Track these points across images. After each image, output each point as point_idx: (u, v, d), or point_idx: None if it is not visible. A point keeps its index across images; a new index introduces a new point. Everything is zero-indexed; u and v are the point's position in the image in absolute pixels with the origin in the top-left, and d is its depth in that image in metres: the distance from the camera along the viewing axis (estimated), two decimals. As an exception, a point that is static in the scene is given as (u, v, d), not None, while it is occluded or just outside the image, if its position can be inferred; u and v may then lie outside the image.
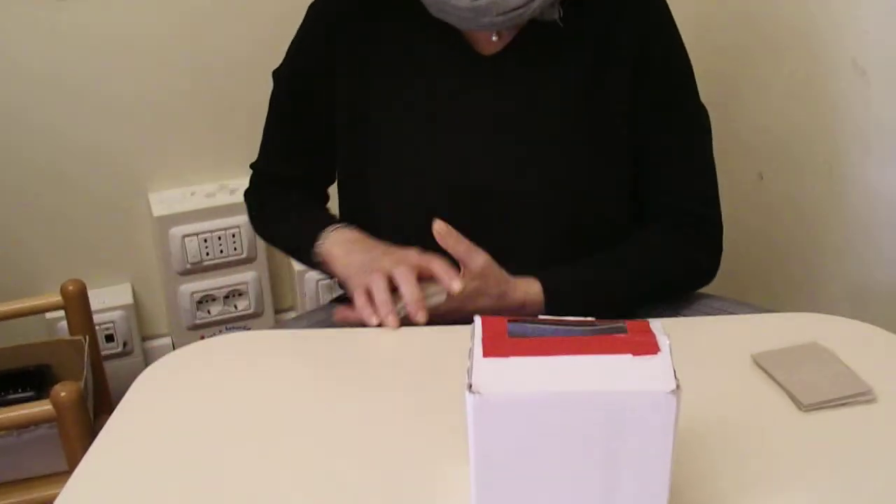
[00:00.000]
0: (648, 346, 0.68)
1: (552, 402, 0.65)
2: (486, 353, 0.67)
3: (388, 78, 1.16)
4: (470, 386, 0.65)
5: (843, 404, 0.91)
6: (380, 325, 1.05)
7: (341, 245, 1.16)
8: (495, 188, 1.11)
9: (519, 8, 1.06)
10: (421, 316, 1.04)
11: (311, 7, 1.22)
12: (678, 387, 0.65)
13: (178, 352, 1.07)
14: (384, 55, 1.16)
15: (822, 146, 1.58)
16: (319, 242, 1.17)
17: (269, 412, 0.93)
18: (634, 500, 0.69)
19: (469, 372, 0.66)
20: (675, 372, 0.67)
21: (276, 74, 1.25)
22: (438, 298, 1.07)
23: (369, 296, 1.06)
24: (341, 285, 1.19)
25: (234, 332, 1.18)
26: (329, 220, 1.22)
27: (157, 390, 0.99)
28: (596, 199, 1.16)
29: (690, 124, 1.20)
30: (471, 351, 0.68)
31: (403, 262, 1.07)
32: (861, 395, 0.92)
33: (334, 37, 1.17)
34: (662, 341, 0.69)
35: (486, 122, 1.14)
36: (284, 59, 1.25)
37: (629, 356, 0.67)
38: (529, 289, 1.10)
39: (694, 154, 1.20)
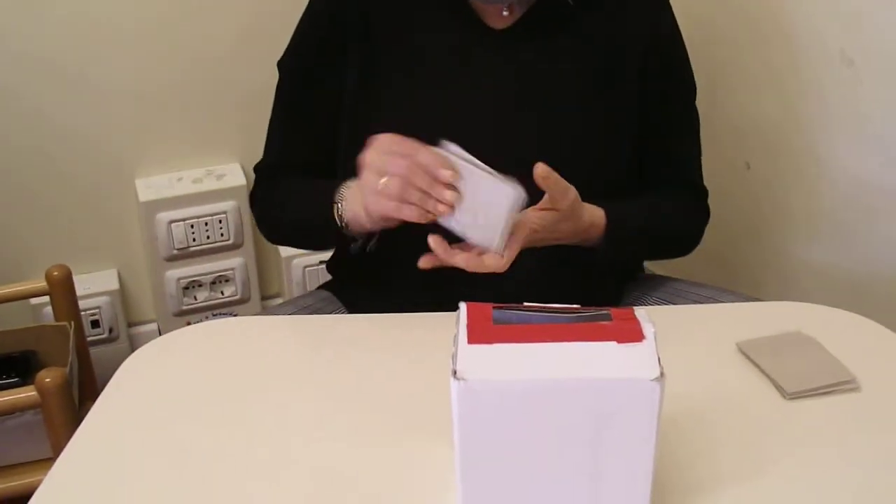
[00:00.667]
0: (633, 334, 0.68)
1: (537, 389, 0.65)
2: (470, 340, 0.67)
3: (396, 53, 1.16)
4: (455, 372, 0.65)
5: (826, 392, 0.92)
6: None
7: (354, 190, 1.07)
8: (504, 157, 1.11)
9: None
10: (444, 174, 0.94)
11: None
12: (662, 374, 0.66)
13: (163, 338, 1.07)
14: (392, 30, 1.16)
15: (809, 136, 1.58)
16: (339, 198, 1.08)
17: (254, 398, 0.93)
18: (619, 485, 0.70)
19: (454, 358, 0.66)
20: (659, 359, 0.67)
21: (282, 64, 1.23)
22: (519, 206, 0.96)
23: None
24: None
25: (221, 319, 1.18)
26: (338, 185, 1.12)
27: (142, 376, 0.99)
28: (603, 169, 1.17)
29: (690, 102, 1.25)
30: (456, 337, 0.68)
31: (389, 150, 0.98)
32: (845, 384, 0.93)
33: (341, 17, 1.16)
34: (647, 329, 0.69)
35: (495, 91, 1.15)
36: (289, 47, 1.23)
37: (614, 343, 0.67)
38: (594, 216, 1.10)
39: (692, 128, 1.26)
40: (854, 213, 1.53)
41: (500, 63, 1.15)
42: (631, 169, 1.21)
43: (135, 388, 0.97)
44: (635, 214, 1.16)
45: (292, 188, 1.21)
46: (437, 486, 0.78)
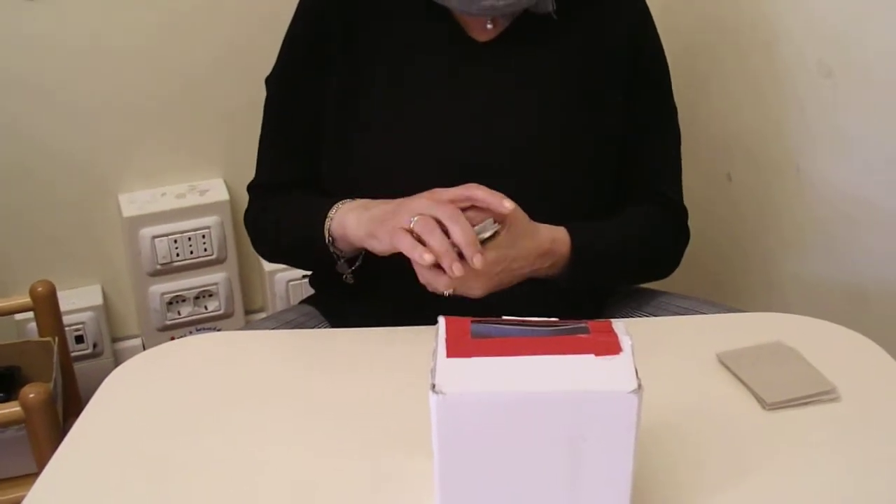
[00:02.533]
0: (611, 347, 0.69)
1: (515, 402, 0.65)
2: (449, 354, 0.68)
3: (380, 63, 1.16)
4: (433, 386, 0.65)
5: (806, 403, 0.93)
6: (437, 266, 0.96)
7: (354, 210, 1.08)
8: (487, 167, 1.11)
9: None
10: (478, 259, 0.95)
11: (300, 3, 1.20)
12: (640, 386, 0.66)
13: (147, 353, 1.07)
14: (376, 41, 1.16)
15: (789, 147, 1.59)
16: (329, 218, 1.09)
17: (237, 412, 0.93)
18: (598, 497, 0.70)
19: (432, 372, 0.67)
20: (636, 372, 0.68)
21: (269, 81, 1.22)
22: (492, 228, 0.99)
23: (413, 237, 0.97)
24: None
25: (204, 333, 1.18)
26: (335, 202, 1.12)
27: (126, 391, 0.99)
28: (589, 179, 1.17)
29: (670, 116, 1.25)
30: (434, 351, 0.69)
31: (440, 200, 0.99)
32: (824, 394, 0.93)
33: (324, 30, 1.16)
34: (625, 341, 0.70)
35: (478, 102, 1.15)
36: (276, 63, 1.22)
37: (592, 356, 0.68)
38: (555, 232, 1.09)
39: (671, 144, 1.25)
40: (835, 223, 1.54)
41: (483, 76, 1.15)
42: (617, 181, 1.21)
43: (119, 402, 0.97)
44: (603, 235, 1.14)
45: (285, 206, 1.20)
46: (417, 499, 0.78)
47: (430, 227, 0.96)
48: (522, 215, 1.03)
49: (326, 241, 1.09)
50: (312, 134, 1.19)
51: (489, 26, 1.14)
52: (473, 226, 0.97)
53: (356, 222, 1.06)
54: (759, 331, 1.04)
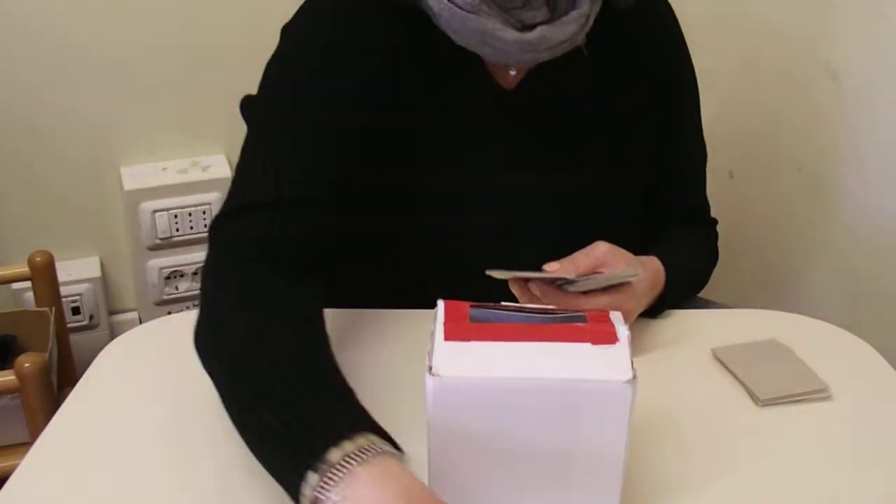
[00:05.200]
0: (607, 336, 0.69)
1: (510, 388, 0.66)
2: (447, 337, 0.68)
3: (420, 114, 1.04)
4: (430, 368, 0.66)
5: (798, 400, 0.93)
6: None
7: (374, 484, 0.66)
8: (519, 223, 1.06)
9: (565, 42, 0.98)
10: None
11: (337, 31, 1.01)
12: (635, 376, 0.66)
13: (142, 326, 1.07)
14: (408, 98, 1.03)
15: (791, 146, 1.60)
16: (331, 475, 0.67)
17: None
18: (590, 484, 0.71)
19: (430, 354, 0.67)
20: (632, 362, 0.68)
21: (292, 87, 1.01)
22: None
23: None
24: None
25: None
26: (352, 416, 0.76)
27: (121, 364, 0.99)
28: (612, 219, 1.12)
29: (701, 130, 1.22)
30: (432, 334, 0.69)
31: None
32: (817, 393, 0.94)
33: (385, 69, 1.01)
34: (621, 331, 0.70)
35: (511, 155, 1.07)
36: (303, 74, 1.01)
37: (588, 345, 0.68)
38: (651, 263, 1.04)
39: (703, 159, 1.23)
40: (834, 222, 1.54)
41: (513, 122, 1.07)
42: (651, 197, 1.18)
43: (114, 375, 0.97)
44: (677, 256, 1.10)
45: (261, 355, 0.82)
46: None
47: None
48: (616, 250, 0.98)
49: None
50: (345, 166, 1.00)
51: (513, 72, 1.04)
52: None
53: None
54: (754, 328, 1.04)
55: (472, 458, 0.69)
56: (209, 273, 0.93)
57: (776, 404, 0.92)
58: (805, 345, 1.00)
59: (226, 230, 0.95)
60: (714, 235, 1.25)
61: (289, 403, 0.74)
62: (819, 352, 0.99)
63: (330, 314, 1.08)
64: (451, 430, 0.68)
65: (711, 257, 1.24)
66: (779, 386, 0.94)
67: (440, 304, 0.72)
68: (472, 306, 0.72)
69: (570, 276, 0.89)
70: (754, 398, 0.93)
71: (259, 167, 0.98)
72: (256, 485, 0.80)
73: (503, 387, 0.66)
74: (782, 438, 0.88)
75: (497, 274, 0.86)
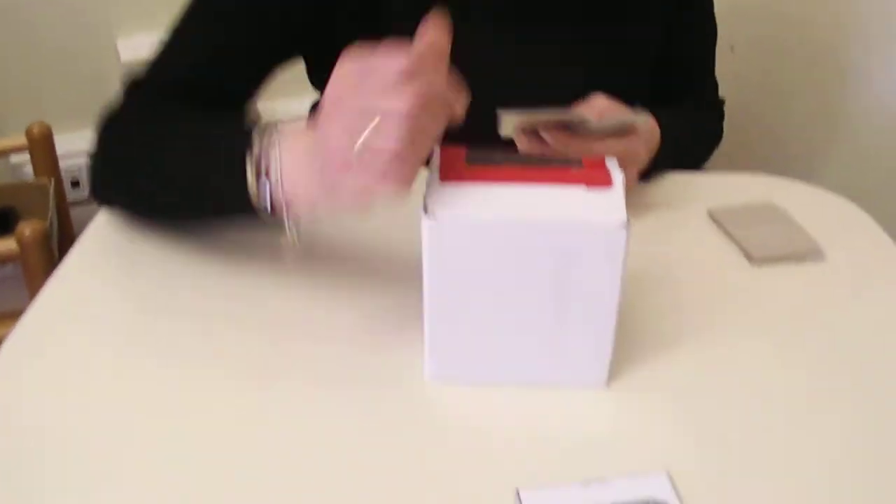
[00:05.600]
0: (603, 180, 0.69)
1: (504, 229, 0.66)
2: (443, 178, 0.68)
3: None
4: (425, 208, 0.66)
5: (792, 260, 0.94)
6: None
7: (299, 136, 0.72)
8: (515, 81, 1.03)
9: None
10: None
11: None
12: (628, 220, 0.67)
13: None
14: None
15: (794, 16, 1.58)
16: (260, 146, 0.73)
17: (228, 254, 0.93)
18: (582, 334, 0.71)
19: (425, 196, 0.67)
20: (626, 207, 0.68)
21: None
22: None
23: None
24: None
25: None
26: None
27: (120, 227, 0.99)
28: (617, 75, 1.10)
29: (712, 9, 1.19)
30: (429, 178, 0.69)
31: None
32: (811, 253, 0.95)
33: None
34: (616, 176, 0.70)
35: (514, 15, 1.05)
36: None
37: (583, 188, 0.68)
38: (649, 120, 1.00)
39: (713, 40, 1.21)
40: (833, 94, 1.53)
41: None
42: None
43: (112, 238, 0.97)
44: (679, 124, 1.07)
45: (172, 121, 0.85)
46: (405, 327, 0.80)
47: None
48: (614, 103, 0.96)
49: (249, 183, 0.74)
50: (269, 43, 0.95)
51: None
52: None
53: (311, 139, 0.70)
54: (751, 192, 1.04)
55: (467, 300, 0.69)
56: (105, 112, 0.91)
57: (770, 264, 0.93)
58: (801, 209, 1.01)
59: (138, 85, 0.93)
60: (719, 115, 1.25)
61: (198, 132, 0.80)
62: (815, 216, 1.00)
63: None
64: (445, 271, 0.68)
65: (714, 135, 1.24)
66: (773, 246, 0.95)
67: (436, 148, 0.72)
68: (468, 150, 0.72)
69: (587, 117, 0.88)
70: (749, 256, 0.94)
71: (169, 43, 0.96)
72: (248, 339, 0.81)
73: (497, 228, 0.66)
74: (775, 296, 0.89)
75: (507, 118, 0.83)
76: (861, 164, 1.51)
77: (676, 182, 1.07)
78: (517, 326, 0.71)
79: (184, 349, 0.80)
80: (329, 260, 0.92)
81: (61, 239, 1.71)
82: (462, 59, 0.70)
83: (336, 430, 0.71)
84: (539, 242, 0.66)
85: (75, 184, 1.94)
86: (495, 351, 0.72)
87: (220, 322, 0.83)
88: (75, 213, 1.84)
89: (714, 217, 0.99)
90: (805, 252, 0.95)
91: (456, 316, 0.70)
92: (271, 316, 0.84)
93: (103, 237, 0.97)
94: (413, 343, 0.77)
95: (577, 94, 0.94)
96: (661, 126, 1.02)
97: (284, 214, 0.73)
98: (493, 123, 0.83)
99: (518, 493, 0.64)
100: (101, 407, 0.73)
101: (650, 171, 1.04)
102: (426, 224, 0.66)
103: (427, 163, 0.69)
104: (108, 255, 0.94)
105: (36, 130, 1.65)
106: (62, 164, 1.79)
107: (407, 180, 0.64)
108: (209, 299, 0.86)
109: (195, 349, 0.80)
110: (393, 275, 0.88)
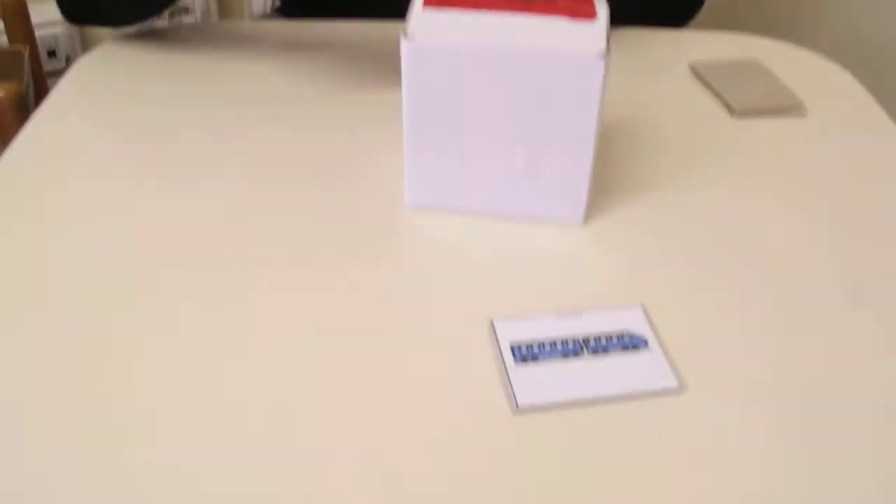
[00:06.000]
0: (587, 12, 0.68)
1: (482, 56, 0.65)
2: (426, 4, 0.67)
3: None
4: (405, 32, 0.65)
5: (773, 114, 0.94)
6: None
7: None
8: None
9: None
10: None
11: None
12: (608, 51, 0.66)
13: (125, 38, 1.05)
14: None
15: None
16: None
17: (213, 96, 0.93)
18: (560, 166, 0.71)
19: (406, 20, 0.67)
20: (608, 39, 0.68)
21: None
22: None
23: None
24: None
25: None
26: None
27: (99, 72, 0.97)
28: None
29: None
30: (412, 3, 0.68)
31: None
32: (793, 108, 0.94)
33: None
34: (601, 9, 0.69)
35: None
36: None
37: (566, 19, 0.67)
38: None
39: None
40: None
41: None
42: None
43: (91, 82, 0.96)
44: None
45: None
46: (387, 155, 0.80)
47: None
48: None
49: None
50: None
51: None
52: None
53: None
54: (735, 49, 1.04)
55: (445, 127, 0.69)
56: None
57: (751, 116, 0.93)
58: (786, 69, 1.00)
59: None
60: None
61: None
62: (799, 76, 0.99)
63: (308, 26, 1.07)
64: (423, 96, 0.68)
65: None
66: (755, 99, 0.95)
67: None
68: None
69: None
70: (730, 109, 0.93)
71: None
72: (227, 172, 0.81)
73: (475, 54, 0.65)
74: (755, 148, 0.89)
75: None
76: (850, 33, 1.50)
77: (658, 36, 1.06)
78: (495, 155, 0.70)
79: (169, 171, 0.80)
80: (323, 94, 0.91)
81: (37, 106, 1.68)
82: None
83: (308, 249, 0.71)
84: (517, 70, 0.66)
85: (51, 53, 1.90)
86: (472, 179, 0.72)
87: (208, 147, 0.83)
88: (53, 84, 1.81)
89: (696, 71, 0.99)
90: (787, 106, 0.94)
91: (433, 142, 0.70)
92: (248, 147, 0.83)
93: (84, 81, 0.96)
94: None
95: None
96: None
97: None
98: None
99: (492, 323, 0.65)
100: (79, 234, 0.73)
101: None
102: (405, 47, 0.65)
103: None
104: (88, 98, 0.94)
105: (9, -3, 1.62)
106: (38, 32, 1.75)
107: None
108: (194, 131, 0.86)
109: (182, 172, 0.80)
110: (377, 116, 0.88)
